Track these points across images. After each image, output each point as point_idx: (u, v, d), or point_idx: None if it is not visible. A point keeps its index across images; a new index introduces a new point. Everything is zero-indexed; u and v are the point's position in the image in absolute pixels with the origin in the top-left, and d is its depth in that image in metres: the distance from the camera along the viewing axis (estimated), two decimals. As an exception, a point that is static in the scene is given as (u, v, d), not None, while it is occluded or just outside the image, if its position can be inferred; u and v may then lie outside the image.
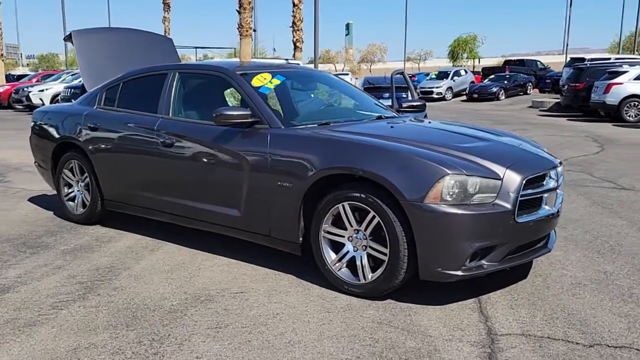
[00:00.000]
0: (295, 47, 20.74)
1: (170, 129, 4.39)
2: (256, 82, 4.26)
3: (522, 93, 30.55)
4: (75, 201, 5.29)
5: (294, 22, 19.18)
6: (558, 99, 24.49)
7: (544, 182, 3.55)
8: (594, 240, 4.66)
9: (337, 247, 3.63)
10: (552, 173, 3.63)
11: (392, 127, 4.11)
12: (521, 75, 31.47)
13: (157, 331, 3.05)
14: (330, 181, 3.56)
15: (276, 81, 4.35)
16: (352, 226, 3.51)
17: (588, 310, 3.31)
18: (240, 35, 12.37)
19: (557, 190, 3.68)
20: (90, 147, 4.96)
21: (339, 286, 3.57)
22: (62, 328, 3.09)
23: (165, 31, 30.51)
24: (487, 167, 3.31)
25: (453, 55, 57.12)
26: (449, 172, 3.17)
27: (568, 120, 18.59)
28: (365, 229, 3.44)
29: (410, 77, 38.19)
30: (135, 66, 5.62)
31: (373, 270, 3.45)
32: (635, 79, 17.29)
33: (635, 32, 36.53)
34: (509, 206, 3.25)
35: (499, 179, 3.28)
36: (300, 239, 3.75)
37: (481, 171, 3.27)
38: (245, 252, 4.32)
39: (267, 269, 4.01)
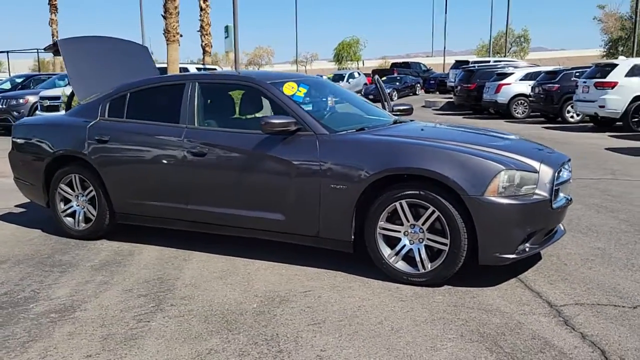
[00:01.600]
0: (205, 52, 20.54)
1: (200, 138, 4.45)
2: (287, 91, 4.46)
3: (411, 94, 32.40)
4: (76, 217, 5.12)
5: (202, 27, 19.00)
6: (447, 99, 26.41)
7: (564, 174, 4.12)
8: (569, 222, 5.35)
9: (390, 242, 3.94)
10: (567, 165, 4.20)
11: (422, 129, 4.51)
12: (410, 77, 33.37)
13: (262, 332, 3.19)
14: (383, 182, 3.87)
15: (303, 89, 4.57)
16: (408, 221, 3.84)
17: (609, 279, 3.91)
18: (168, 40, 12.15)
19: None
20: (98, 160, 4.85)
21: (397, 278, 3.89)
22: (166, 338, 3.13)
23: (52, 34, 28.65)
24: (527, 163, 3.80)
25: (338, 58, 58.95)
26: (503, 168, 3.62)
27: (464, 117, 20.19)
28: (423, 223, 3.80)
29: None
30: (120, 75, 5.56)
31: (431, 260, 3.81)
32: (521, 79, 19.19)
33: (506, 35, 39.95)
34: (547, 195, 3.77)
35: (537, 172, 3.78)
36: (353, 237, 4.02)
37: (524, 166, 3.75)
38: (279, 254, 4.49)
39: (312, 268, 4.22)
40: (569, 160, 4.26)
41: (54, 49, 5.53)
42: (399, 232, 3.89)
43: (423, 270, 3.82)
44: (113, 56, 5.80)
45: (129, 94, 4.96)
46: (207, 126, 4.62)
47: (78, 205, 5.14)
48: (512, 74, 19.32)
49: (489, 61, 27.48)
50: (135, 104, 4.93)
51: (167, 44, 12.43)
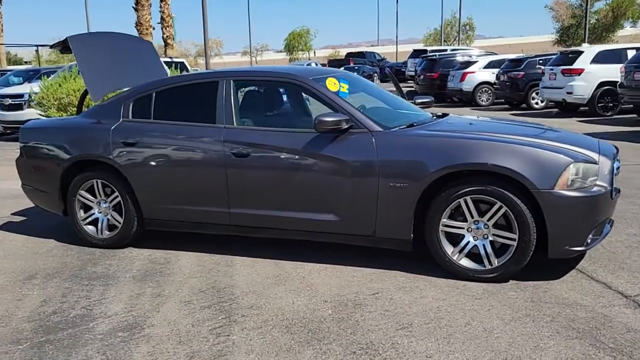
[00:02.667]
0: (167, 44, 19.90)
1: (242, 138, 4.27)
2: (331, 87, 4.32)
3: (369, 83, 32.46)
4: (99, 224, 4.83)
5: (162, 19, 18.34)
6: (406, 87, 26.62)
7: (616, 164, 4.16)
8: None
9: (452, 239, 3.89)
10: (617, 156, 4.25)
11: (471, 124, 4.46)
12: (367, 66, 33.52)
13: (355, 340, 3.08)
14: (445, 179, 3.81)
15: (345, 85, 4.44)
16: (472, 218, 3.79)
17: (663, 266, 3.99)
18: (140, 33, 11.66)
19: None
20: (125, 164, 4.58)
21: (461, 275, 3.84)
22: (257, 353, 2.98)
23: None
24: (588, 154, 3.82)
25: (289, 49, 58.63)
26: (572, 160, 3.62)
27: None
28: (489, 219, 3.76)
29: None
30: (131, 73, 5.29)
31: (497, 255, 3.78)
32: (485, 67, 19.55)
33: (459, 24, 40.64)
34: (608, 186, 3.79)
35: (597, 164, 3.80)
36: (412, 235, 3.94)
37: (587, 158, 3.76)
38: (324, 255, 4.39)
39: (366, 269, 4.12)
40: (618, 150, 4.31)
41: (63, 45, 5.17)
42: (463, 228, 3.84)
43: (490, 266, 3.78)
44: (122, 53, 5.49)
45: (154, 94, 4.69)
46: (246, 125, 4.42)
47: (100, 213, 4.85)
48: (475, 62, 19.65)
49: (446, 50, 27.86)
50: (162, 104, 4.67)
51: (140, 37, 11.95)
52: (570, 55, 15.04)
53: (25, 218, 5.99)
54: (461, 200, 3.77)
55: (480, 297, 3.57)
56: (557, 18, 39.91)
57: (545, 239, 3.67)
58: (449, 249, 3.87)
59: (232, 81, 4.48)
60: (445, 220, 3.84)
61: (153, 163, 4.53)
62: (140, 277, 4.14)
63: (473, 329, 3.15)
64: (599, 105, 14.25)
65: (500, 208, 3.69)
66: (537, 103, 17.06)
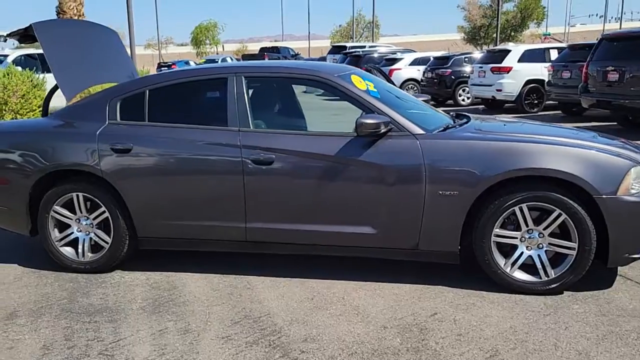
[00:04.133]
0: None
1: (264, 143, 3.75)
2: (359, 85, 3.91)
3: (286, 79, 32.03)
4: (80, 245, 4.11)
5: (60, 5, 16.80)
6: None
7: None
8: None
9: (503, 250, 3.64)
10: None
11: (505, 125, 4.21)
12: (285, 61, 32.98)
13: (449, 374, 2.72)
14: (497, 186, 3.53)
15: (371, 84, 4.05)
16: (527, 226, 3.55)
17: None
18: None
19: None
20: (116, 174, 3.91)
21: (515, 288, 3.59)
22: (348, 400, 2.53)
23: None
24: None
25: (196, 42, 56.94)
26: (633, 164, 3.46)
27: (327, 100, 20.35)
28: (545, 228, 3.52)
29: (170, 65, 36.78)
30: (99, 67, 4.60)
31: (553, 266, 3.56)
32: (410, 64, 19.79)
33: (373, 20, 41.16)
34: None
35: None
36: (459, 247, 3.64)
37: None
38: (349, 271, 4.01)
39: (406, 285, 3.78)
40: None
41: (25, 33, 4.35)
42: (516, 238, 3.58)
43: (546, 278, 3.55)
44: (92, 44, 4.74)
45: (148, 92, 4.04)
46: (270, 129, 3.91)
47: (80, 231, 4.13)
48: (401, 59, 19.82)
49: (364, 46, 28.02)
50: (158, 104, 4.04)
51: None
52: (497, 54, 15.47)
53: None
54: (516, 208, 3.50)
55: (547, 313, 3.33)
56: (469, 18, 41.59)
57: (603, 247, 3.49)
58: (501, 260, 3.60)
59: (243, 77, 3.94)
60: (497, 230, 3.56)
61: (151, 173, 3.90)
62: (150, 308, 3.52)
63: (566, 353, 2.88)
64: (526, 102, 14.75)
65: (559, 216, 3.46)
66: (463, 100, 17.46)
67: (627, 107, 9.98)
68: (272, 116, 4.10)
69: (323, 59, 31.54)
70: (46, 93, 4.56)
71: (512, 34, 37.40)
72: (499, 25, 27.04)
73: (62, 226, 4.15)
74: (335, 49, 27.89)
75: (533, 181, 3.50)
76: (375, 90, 3.96)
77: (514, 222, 3.58)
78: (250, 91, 3.94)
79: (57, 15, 10.66)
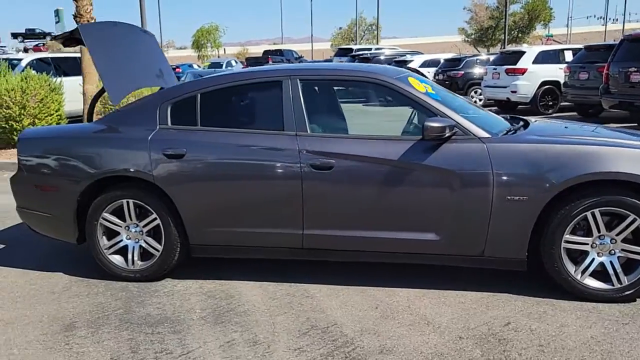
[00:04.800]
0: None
1: (324, 148, 3.65)
2: (419, 87, 3.81)
3: (292, 81, 31.96)
4: (130, 253, 4.01)
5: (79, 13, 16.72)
6: (335, 86, 26.44)
7: None
8: None
9: (572, 256, 3.53)
10: None
11: (566, 127, 4.12)
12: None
13: (542, 388, 2.61)
14: (567, 191, 3.42)
15: (428, 86, 3.95)
16: (599, 232, 3.45)
17: None
18: (81, 26, 10.36)
19: None
20: (169, 181, 3.80)
21: (586, 295, 3.49)
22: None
23: None
24: None
25: (197, 45, 56.89)
26: None
27: (364, 105, 20.22)
28: (618, 234, 3.42)
29: (174, 68, 36.70)
30: (145, 69, 4.50)
31: (625, 273, 3.46)
32: (420, 67, 19.72)
33: (377, 22, 41.09)
34: None
35: None
36: (526, 253, 3.54)
37: None
38: (403, 278, 3.92)
39: (470, 293, 3.68)
40: None
41: (70, 36, 4.24)
42: (587, 244, 3.48)
43: (619, 285, 3.45)
44: (134, 46, 4.64)
45: (199, 96, 3.94)
46: (328, 133, 3.81)
47: (129, 239, 4.02)
48: (411, 61, 19.77)
49: (370, 49, 27.96)
50: (211, 108, 3.93)
51: (80, 30, 10.66)
52: (512, 55, 15.39)
53: (3, 246, 4.95)
54: (588, 214, 3.40)
55: (626, 322, 3.22)
56: (475, 20, 41.56)
57: (677, 253, 3.38)
58: (571, 267, 3.49)
59: (298, 80, 3.84)
60: (567, 236, 3.45)
61: (204, 178, 3.79)
62: (212, 318, 3.41)
63: (657, 363, 2.77)
64: (541, 103, 14.66)
65: (634, 221, 3.36)
66: (475, 101, 17.35)
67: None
68: (327, 120, 3.99)
69: (329, 61, 31.47)
70: (88, 99, 4.44)
71: (519, 35, 37.46)
72: (507, 27, 26.99)
73: (110, 234, 4.04)
74: (342, 52, 27.82)
75: (604, 185, 3.40)
76: (433, 92, 3.86)
77: (584, 227, 3.48)
78: (307, 94, 3.83)
79: (74, 18, 10.56)
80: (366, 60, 21.71)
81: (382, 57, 22.75)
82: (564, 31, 54.59)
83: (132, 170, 3.84)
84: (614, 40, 16.01)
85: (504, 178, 3.43)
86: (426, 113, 3.65)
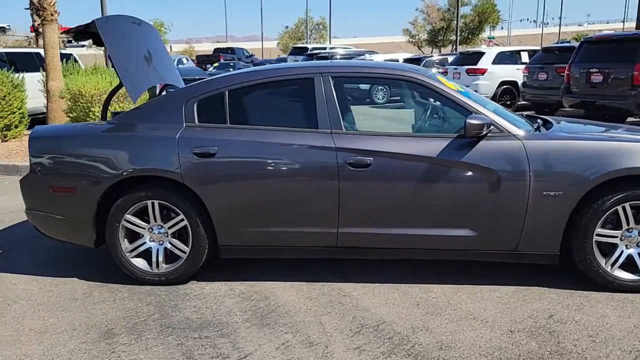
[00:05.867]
0: (38, 34, 17.36)
1: (361, 145, 3.64)
2: (450, 86, 3.86)
3: (244, 80, 31.66)
4: (154, 256, 3.87)
5: (32, 3, 15.94)
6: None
7: None
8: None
9: (602, 249, 3.66)
10: None
11: (586, 125, 4.25)
12: (241, 62, 32.58)
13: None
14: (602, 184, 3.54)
15: (456, 85, 4.00)
16: (628, 225, 3.59)
17: None
18: (44, 20, 9.90)
19: None
20: (199, 180, 3.70)
21: (616, 287, 3.63)
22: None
23: None
24: None
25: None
26: None
27: (371, 107, 20.32)
28: (646, 226, 3.57)
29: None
30: (156, 65, 4.37)
31: (649, 265, 3.61)
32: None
33: (330, 23, 41.18)
34: None
35: None
36: (559, 247, 3.65)
37: None
38: (431, 273, 3.97)
39: (503, 287, 3.76)
40: None
41: (85, 30, 4.03)
42: (616, 237, 3.62)
43: (646, 277, 3.60)
44: (142, 41, 4.47)
45: (227, 93, 3.84)
46: (355, 130, 3.79)
47: (153, 241, 3.88)
48: (371, 61, 19.89)
49: (325, 48, 28.04)
50: (240, 106, 3.85)
51: (43, 24, 10.18)
52: (471, 56, 15.80)
53: (0, 251, 4.67)
54: (619, 207, 3.53)
55: (663, 312, 3.36)
56: (428, 21, 42.37)
57: (700, 244, 3.56)
58: (601, 260, 3.62)
59: (330, 77, 3.81)
60: (599, 229, 3.58)
61: (236, 178, 3.70)
62: (256, 320, 3.34)
63: None
64: (500, 102, 15.11)
65: (661, 214, 3.51)
66: (379, 98, 17.68)
67: (614, 108, 10.35)
68: (361, 117, 3.97)
69: (283, 59, 31.37)
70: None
71: (470, 36, 38.64)
72: (458, 28, 27.68)
73: (132, 236, 3.88)
74: (297, 50, 27.77)
75: (635, 180, 3.53)
76: (463, 90, 3.91)
77: (612, 221, 3.61)
78: (339, 91, 3.80)
79: (36, 12, 10.04)
80: (324, 59, 21.70)
81: (338, 57, 22.84)
82: (503, 33, 56.49)
83: (160, 169, 3.70)
84: (569, 42, 16.67)
85: (541, 174, 3.51)
86: (460, 111, 3.69)
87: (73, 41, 4.55)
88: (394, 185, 3.62)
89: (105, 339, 3.13)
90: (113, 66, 3.98)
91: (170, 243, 3.86)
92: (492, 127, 3.58)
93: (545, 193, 3.52)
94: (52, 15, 10.12)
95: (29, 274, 4.13)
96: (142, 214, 3.85)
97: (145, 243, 3.88)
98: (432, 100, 3.97)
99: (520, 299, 3.56)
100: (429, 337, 3.09)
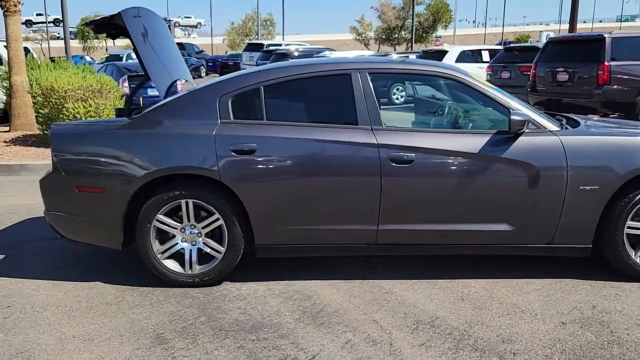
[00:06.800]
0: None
1: (403, 142, 3.64)
2: (486, 84, 3.91)
3: (197, 77, 31.16)
4: (187, 256, 3.75)
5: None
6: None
7: None
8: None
9: (630, 240, 3.80)
10: None
11: (604, 122, 4.39)
12: (193, 58, 32.03)
13: (673, 364, 2.81)
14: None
15: (488, 82, 4.05)
16: (654, 217, 3.75)
17: None
18: (7, 11, 9.33)
19: None
20: (238, 178, 3.60)
21: (642, 276, 3.78)
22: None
23: None
24: None
25: (83, 36, 53.46)
26: None
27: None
28: (672, 218, 3.74)
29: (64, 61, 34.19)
30: (173, 58, 4.26)
31: (677, 254, 3.78)
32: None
33: (283, 20, 40.86)
34: None
35: None
36: (592, 240, 3.77)
37: None
38: (458, 267, 4.01)
39: (536, 280, 3.84)
40: None
41: (109, 22, 3.84)
42: (643, 229, 3.76)
43: (672, 267, 3.76)
44: (160, 34, 4.31)
45: (262, 88, 3.76)
46: (401, 126, 3.80)
47: (185, 241, 3.75)
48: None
49: (280, 44, 27.88)
50: (277, 101, 3.77)
51: (6, 16, 9.64)
52: (434, 55, 16.08)
53: (3, 256, 4.41)
54: (648, 201, 3.68)
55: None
56: (383, 19, 42.77)
57: None
58: (631, 251, 3.76)
59: (367, 74, 3.78)
60: (629, 222, 3.72)
61: (276, 175, 3.63)
62: (308, 320, 3.29)
63: None
64: (462, 100, 15.45)
65: (688, 207, 3.68)
66: (397, 99, 17.93)
67: (580, 106, 10.77)
68: (399, 113, 3.96)
69: (235, 56, 31.00)
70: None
71: (424, 35, 39.45)
72: (414, 27, 28.14)
73: (163, 237, 3.75)
74: (252, 47, 27.48)
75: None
76: (495, 87, 3.97)
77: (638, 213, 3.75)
78: (377, 88, 3.79)
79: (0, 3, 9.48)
80: (283, 55, 21.59)
81: (296, 53, 22.75)
82: (448, 33, 57.86)
83: (196, 167, 3.58)
84: (537, 41, 17.17)
85: (577, 169, 3.61)
86: (497, 108, 3.75)
87: (93, 34, 4.30)
88: (435, 181, 3.64)
89: (160, 344, 3.01)
90: (139, 60, 3.81)
91: (204, 243, 3.74)
92: (529, 123, 3.65)
93: (581, 187, 3.62)
94: (15, 6, 9.64)
95: (46, 278, 3.92)
96: (174, 214, 3.71)
97: (177, 244, 3.75)
98: (467, 96, 4.00)
99: (558, 291, 3.65)
100: (487, 332, 3.13)
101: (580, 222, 3.69)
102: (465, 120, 4.04)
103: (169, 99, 3.89)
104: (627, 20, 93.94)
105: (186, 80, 4.70)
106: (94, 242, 3.84)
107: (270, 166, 3.62)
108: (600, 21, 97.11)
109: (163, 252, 3.72)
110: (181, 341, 3.04)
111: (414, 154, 3.60)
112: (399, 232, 3.71)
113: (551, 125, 3.74)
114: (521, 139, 3.64)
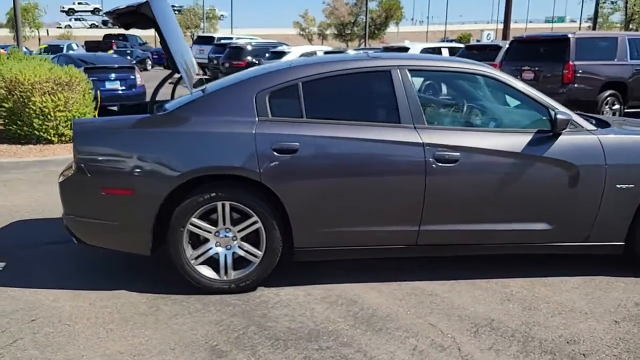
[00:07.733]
0: None
1: (448, 140, 3.57)
2: (520, 82, 3.90)
3: (143, 69, 30.20)
4: (222, 261, 3.55)
5: None
6: (199, 75, 25.46)
7: None
8: None
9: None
10: None
11: (625, 120, 4.47)
12: (138, 50, 31.04)
13: None
14: None
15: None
16: (683, 215, 3.85)
17: None
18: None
19: None
20: (279, 179, 3.44)
21: (672, 273, 3.88)
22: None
23: None
24: None
25: (13, 26, 50.87)
26: None
27: None
28: (698, 215, 3.85)
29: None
30: (185, 48, 4.05)
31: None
32: (300, 57, 19.85)
33: (232, 13, 40.10)
34: None
35: None
36: (625, 238, 3.84)
37: None
38: (493, 267, 4.00)
39: (569, 279, 3.87)
40: None
41: (135, 11, 3.54)
42: (672, 226, 3.86)
43: (696, 263, 3.88)
44: (175, 22, 4.06)
45: (301, 85, 3.60)
46: (443, 125, 3.74)
47: (219, 246, 3.56)
48: (289, 52, 19.78)
49: (232, 37, 27.37)
50: (316, 99, 3.61)
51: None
52: (395, 51, 16.19)
53: (4, 264, 4.06)
54: (676, 199, 3.77)
55: None
56: (335, 15, 42.72)
57: None
58: (658, 249, 3.85)
59: (407, 71, 3.69)
60: (659, 219, 3.80)
61: (319, 175, 3.49)
62: (363, 326, 3.17)
63: None
64: (423, 97, 15.66)
65: None
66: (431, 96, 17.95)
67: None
68: (448, 111, 3.92)
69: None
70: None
71: (376, 32, 39.78)
72: (364, 23, 28.27)
73: (196, 241, 3.53)
74: (202, 40, 26.82)
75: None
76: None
77: (666, 211, 3.84)
78: (414, 85, 3.71)
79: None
80: (238, 49, 21.20)
81: (249, 47, 22.37)
82: (393, 30, 58.69)
83: (237, 167, 3.39)
84: (478, 41, 17.58)
85: (615, 167, 3.66)
86: (536, 107, 3.75)
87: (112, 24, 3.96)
88: (479, 181, 3.60)
89: (219, 357, 2.82)
90: (167, 52, 3.56)
91: (241, 247, 3.55)
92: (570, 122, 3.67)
93: (618, 186, 3.67)
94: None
95: (61, 288, 3.62)
96: (209, 217, 3.50)
97: (211, 248, 3.54)
98: (506, 95, 3.98)
99: (596, 288, 3.69)
100: (548, 333, 3.11)
101: (615, 220, 3.74)
102: (505, 119, 4.01)
103: (198, 95, 3.66)
104: (555, 21, 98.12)
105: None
106: (118, 247, 3.57)
107: (313, 166, 3.47)
108: (530, 22, 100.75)
109: (197, 258, 3.51)
110: (240, 353, 2.86)
111: (458, 153, 3.54)
112: (440, 233, 3.65)
113: (589, 125, 3.76)
114: (562, 137, 3.65)
